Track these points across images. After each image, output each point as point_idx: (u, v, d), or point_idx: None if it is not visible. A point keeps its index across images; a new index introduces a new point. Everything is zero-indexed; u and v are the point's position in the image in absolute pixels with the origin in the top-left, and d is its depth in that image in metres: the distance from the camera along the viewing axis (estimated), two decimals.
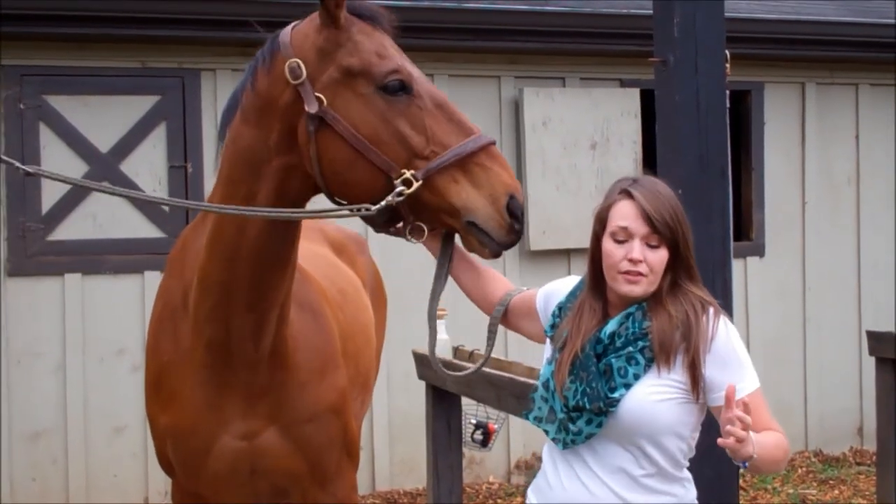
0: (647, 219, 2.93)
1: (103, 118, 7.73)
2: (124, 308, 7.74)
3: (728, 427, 2.67)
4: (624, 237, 2.96)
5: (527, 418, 3.15)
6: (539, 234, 8.43)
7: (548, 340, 3.16)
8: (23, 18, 7.31)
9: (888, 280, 9.67)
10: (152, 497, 7.76)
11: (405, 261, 8.22)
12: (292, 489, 3.94)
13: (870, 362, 6.59)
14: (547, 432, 3.04)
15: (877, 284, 9.67)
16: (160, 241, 7.73)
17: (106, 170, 7.70)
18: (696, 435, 3.04)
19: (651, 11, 4.30)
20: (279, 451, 3.78)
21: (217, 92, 7.93)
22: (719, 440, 2.69)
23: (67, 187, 7.61)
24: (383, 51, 3.40)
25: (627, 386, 2.89)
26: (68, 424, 7.56)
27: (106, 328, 7.70)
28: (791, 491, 8.27)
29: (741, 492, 7.15)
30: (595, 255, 3.05)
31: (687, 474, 3.05)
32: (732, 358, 2.95)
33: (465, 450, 6.20)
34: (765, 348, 9.31)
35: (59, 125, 7.62)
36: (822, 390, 9.53)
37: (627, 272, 2.93)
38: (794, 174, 9.52)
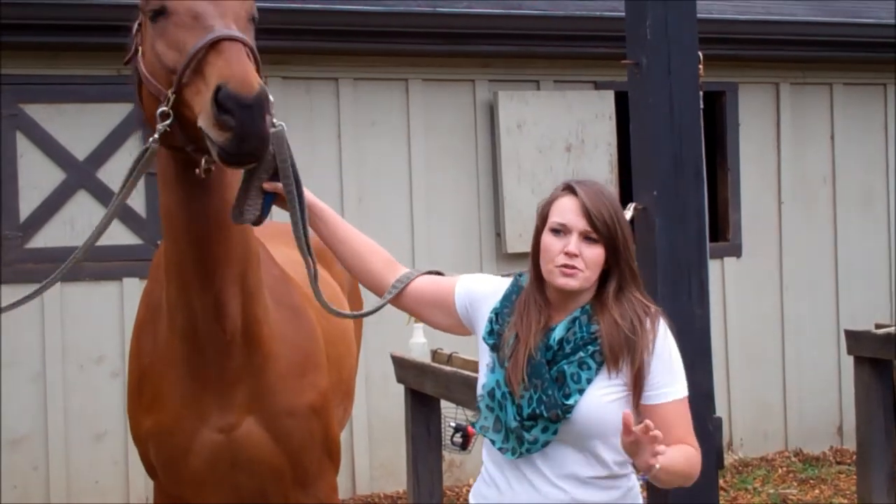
0: (587, 214, 2.98)
1: (79, 126, 7.72)
2: (103, 315, 7.73)
3: (634, 437, 2.70)
4: (562, 231, 3.00)
5: (474, 427, 3.16)
6: (515, 236, 8.45)
7: (485, 348, 3.15)
8: None
9: (865, 279, 9.73)
10: (133, 502, 7.75)
11: None
12: (273, 489, 3.92)
13: (848, 361, 6.62)
14: (493, 442, 3.04)
15: (854, 283, 9.72)
16: (138, 248, 7.74)
17: (83, 177, 7.69)
18: None
19: (622, 13, 4.33)
20: (258, 443, 3.76)
21: None
22: (625, 413, 2.74)
23: (45, 195, 7.61)
24: None
25: (581, 391, 2.92)
26: (49, 431, 7.55)
27: (85, 335, 7.70)
28: (772, 491, 8.31)
29: (721, 492, 7.17)
30: (536, 251, 3.09)
31: (631, 469, 3.08)
32: (668, 361, 3.00)
33: (444, 453, 6.21)
34: (743, 348, 9.36)
35: (35, 133, 7.61)
36: (801, 390, 9.58)
37: (564, 266, 2.97)
38: (770, 174, 9.58)
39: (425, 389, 5.61)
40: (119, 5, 7.28)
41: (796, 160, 9.63)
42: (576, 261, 2.95)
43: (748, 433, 9.43)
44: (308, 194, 3.29)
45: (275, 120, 3.08)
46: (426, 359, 5.88)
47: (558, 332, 2.98)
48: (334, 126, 8.36)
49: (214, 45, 2.89)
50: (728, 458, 8.98)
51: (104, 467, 7.71)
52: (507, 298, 3.16)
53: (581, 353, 2.95)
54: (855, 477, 7.27)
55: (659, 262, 3.98)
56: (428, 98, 8.61)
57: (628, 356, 2.93)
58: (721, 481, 7.35)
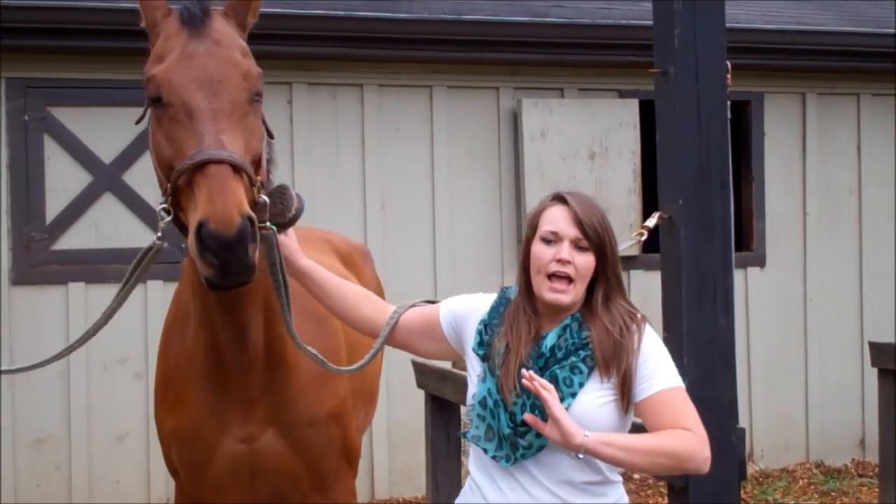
0: (578, 222, 3.02)
1: (106, 129, 7.76)
2: (127, 317, 7.73)
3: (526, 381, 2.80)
4: (554, 240, 3.03)
5: (465, 437, 3.17)
6: None
7: (475, 359, 3.17)
8: (27, 31, 7.36)
9: (890, 291, 9.67)
10: (154, 501, 7.78)
11: (405, 270, 8.27)
12: (292, 493, 3.96)
13: (872, 373, 6.58)
14: (486, 451, 3.05)
15: (878, 295, 9.66)
16: (163, 251, 7.74)
17: (109, 180, 7.73)
18: None
19: (650, 22, 4.31)
20: (278, 453, 3.81)
21: None
22: (526, 416, 2.84)
23: (71, 197, 7.65)
24: (161, 51, 3.22)
25: (574, 395, 2.95)
26: (72, 431, 7.59)
27: (109, 337, 7.66)
28: (793, 502, 8.27)
29: (742, 503, 7.15)
30: (526, 261, 3.11)
31: (619, 477, 3.11)
32: (653, 355, 3.02)
33: (463, 458, 6.21)
34: (766, 359, 9.33)
35: (62, 136, 7.66)
36: (824, 401, 9.53)
37: (555, 274, 3.00)
38: (795, 185, 9.54)
39: (445, 395, 5.61)
40: None
41: (822, 170, 9.58)
42: (568, 268, 2.99)
43: (769, 444, 9.38)
44: (300, 258, 3.46)
45: (267, 223, 3.16)
46: (447, 365, 5.88)
47: (550, 340, 3.02)
48: (359, 132, 8.38)
49: (201, 167, 2.91)
50: (749, 469, 8.94)
51: (126, 468, 7.74)
52: (496, 310, 3.19)
53: (573, 358, 2.98)
54: (877, 490, 7.23)
55: (684, 272, 3.97)
56: (452, 105, 8.62)
57: (617, 361, 2.97)
58: (742, 492, 7.33)
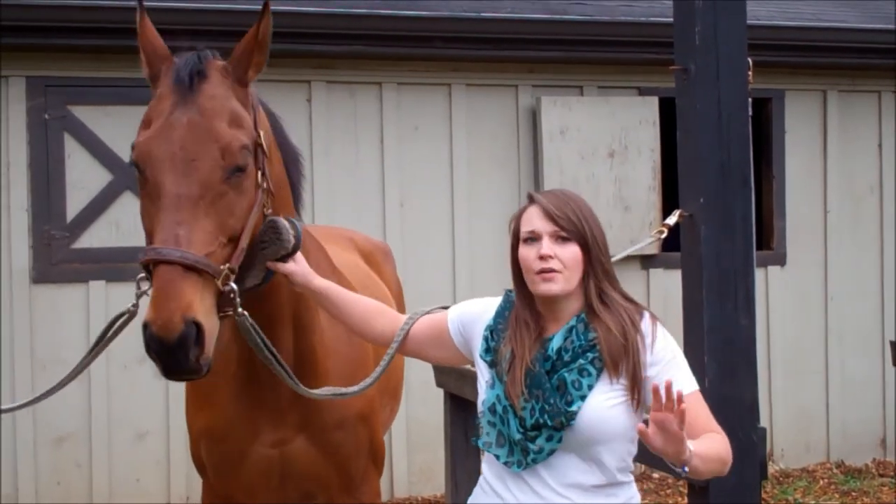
0: (550, 217, 3.01)
1: (126, 128, 7.73)
2: None
3: (659, 415, 2.67)
4: (534, 239, 3.03)
5: (477, 444, 3.15)
6: None
7: (483, 365, 3.16)
8: (47, 30, 7.38)
9: None
10: (174, 500, 7.79)
11: (424, 269, 8.27)
12: (320, 494, 4.00)
13: (892, 372, 6.56)
14: (497, 457, 3.04)
15: None
16: None
17: (129, 179, 7.74)
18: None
19: (670, 19, 4.30)
20: (308, 458, 3.85)
21: None
22: (639, 426, 2.71)
23: (92, 196, 7.67)
24: (150, 114, 3.17)
25: (583, 397, 2.92)
26: (92, 429, 7.61)
27: (129, 335, 7.71)
28: (813, 502, 8.24)
29: (762, 503, 7.12)
30: (516, 268, 3.11)
31: (632, 478, 3.10)
32: (669, 360, 2.99)
33: (482, 458, 6.20)
34: (786, 358, 9.29)
35: (82, 135, 7.68)
36: (845, 401, 9.48)
37: (541, 271, 2.98)
38: (816, 183, 9.49)
39: (465, 394, 5.60)
40: (169, 9, 7.36)
41: (843, 169, 9.54)
42: (552, 262, 2.98)
43: (790, 444, 9.35)
44: (313, 279, 3.46)
45: (239, 308, 3.15)
46: (457, 365, 5.86)
47: (556, 342, 3.00)
48: (377, 130, 8.38)
49: (154, 263, 2.92)
50: (769, 469, 8.91)
51: (146, 466, 7.76)
52: (500, 315, 3.18)
53: (581, 361, 2.95)
54: None
55: (705, 270, 3.95)
56: (471, 103, 8.61)
57: (625, 361, 2.94)
58: (762, 492, 7.30)
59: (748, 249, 4.05)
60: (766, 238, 9.33)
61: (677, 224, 4.15)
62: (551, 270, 2.97)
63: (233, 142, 3.07)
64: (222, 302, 3.05)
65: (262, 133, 3.25)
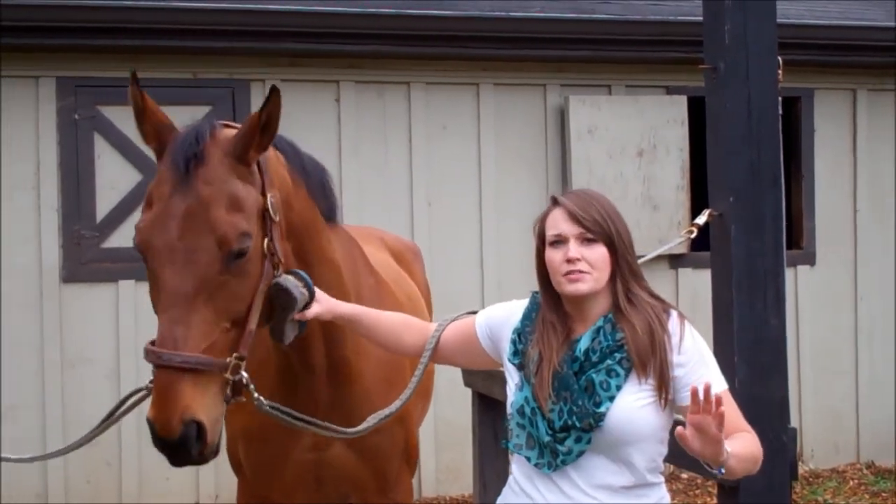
0: (575, 219, 2.99)
1: None
2: None
3: (697, 418, 2.67)
4: (560, 242, 3.02)
5: (507, 447, 3.15)
6: None
7: (511, 368, 3.16)
8: (77, 31, 7.43)
9: None
10: (202, 500, 7.83)
11: (452, 269, 8.27)
12: (355, 496, 4.05)
13: None
14: (528, 459, 3.04)
15: None
16: None
17: None
18: (668, 436, 3.06)
19: (698, 18, 4.28)
20: (346, 461, 3.91)
21: None
22: (678, 430, 2.69)
23: (121, 195, 7.72)
24: (151, 195, 3.12)
25: (611, 398, 2.92)
26: (122, 428, 7.64)
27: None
28: (842, 503, 8.20)
29: None
30: (542, 270, 3.11)
31: (662, 479, 3.08)
32: (698, 359, 2.98)
33: (511, 458, 6.19)
34: (815, 358, 9.25)
35: (112, 135, 7.73)
36: (874, 401, 9.43)
37: (568, 273, 2.98)
38: (845, 182, 9.44)
39: (493, 394, 5.59)
40: (196, 9, 7.41)
41: (873, 167, 9.48)
42: (580, 265, 2.97)
43: (819, 444, 9.30)
44: (337, 307, 3.47)
45: (255, 395, 3.22)
46: (487, 368, 5.86)
47: (584, 343, 2.99)
48: (405, 130, 8.39)
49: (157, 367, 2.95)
50: (799, 469, 8.86)
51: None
52: (528, 317, 3.18)
53: (608, 361, 2.94)
54: None
55: (734, 270, 3.93)
56: (499, 102, 8.61)
57: (653, 360, 2.93)
58: (792, 493, 7.27)
59: (778, 249, 4.02)
60: (796, 237, 9.29)
61: (706, 223, 4.14)
62: (579, 272, 2.97)
63: (229, 231, 3.00)
64: (236, 388, 3.06)
65: (270, 196, 3.18)
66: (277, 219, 3.19)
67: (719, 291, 4.05)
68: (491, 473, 5.85)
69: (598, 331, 2.99)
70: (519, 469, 3.13)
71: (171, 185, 3.01)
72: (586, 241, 2.99)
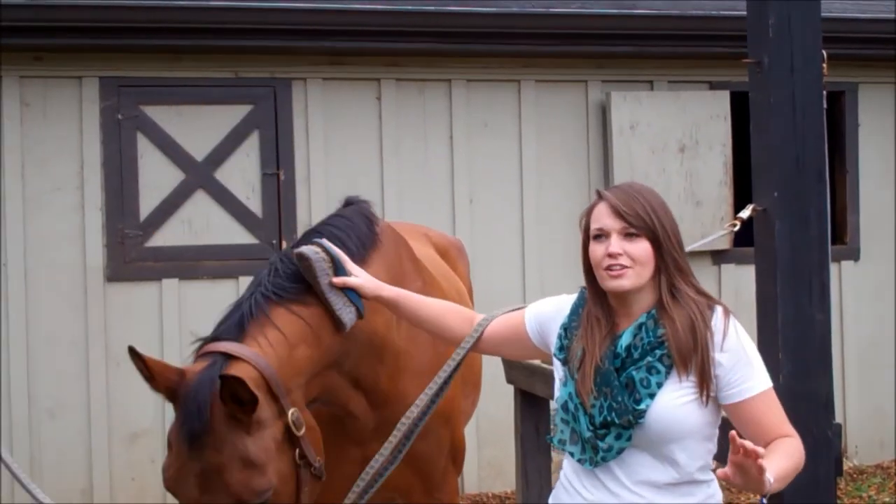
0: (618, 214, 2.98)
1: (198, 127, 7.87)
2: (220, 313, 7.85)
3: (738, 460, 2.63)
4: (603, 236, 3.01)
5: (552, 442, 3.16)
6: None
7: (557, 362, 3.17)
8: (119, 31, 7.48)
9: None
10: None
11: (493, 266, 8.27)
12: (401, 499, 4.06)
13: None
14: (572, 454, 3.05)
15: None
16: (254, 248, 7.86)
17: (201, 178, 7.84)
18: (717, 433, 3.04)
19: (741, 12, 4.26)
20: (392, 471, 3.89)
21: (308, 101, 8.05)
22: (719, 472, 2.69)
23: (164, 194, 7.77)
24: (170, 440, 3.28)
25: (652, 395, 2.90)
26: (166, 425, 7.66)
27: (202, 332, 7.81)
28: (887, 499, 8.13)
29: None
30: (587, 264, 3.10)
31: (712, 476, 3.04)
32: (742, 357, 2.94)
33: (553, 454, 6.19)
34: (860, 354, 9.17)
35: (155, 134, 7.78)
36: None
37: (609, 268, 2.96)
38: (890, 176, 9.35)
39: (535, 390, 5.59)
40: (237, 8, 7.45)
41: None
42: (621, 259, 2.95)
43: (864, 440, 9.23)
44: (382, 290, 3.55)
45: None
46: (536, 360, 5.86)
47: (625, 339, 2.97)
48: (446, 127, 8.39)
49: None
50: (843, 465, 8.80)
51: None
52: (575, 312, 3.18)
53: (649, 358, 2.92)
54: None
55: (779, 265, 3.91)
56: (540, 99, 8.60)
57: (695, 357, 2.90)
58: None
59: (823, 244, 4.00)
60: (840, 233, 9.22)
61: (749, 219, 4.12)
62: (621, 267, 2.95)
63: (245, 492, 3.05)
64: None
65: (290, 414, 3.20)
66: (302, 432, 3.22)
67: (763, 287, 4.03)
68: (533, 470, 5.85)
69: (640, 327, 2.97)
70: (568, 464, 3.13)
71: (185, 447, 3.07)
72: (629, 235, 2.97)
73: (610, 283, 2.98)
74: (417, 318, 3.57)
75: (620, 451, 2.94)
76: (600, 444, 2.95)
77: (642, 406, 2.89)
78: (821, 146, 4.01)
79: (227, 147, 7.90)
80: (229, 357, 3.16)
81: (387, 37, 7.90)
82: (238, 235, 7.91)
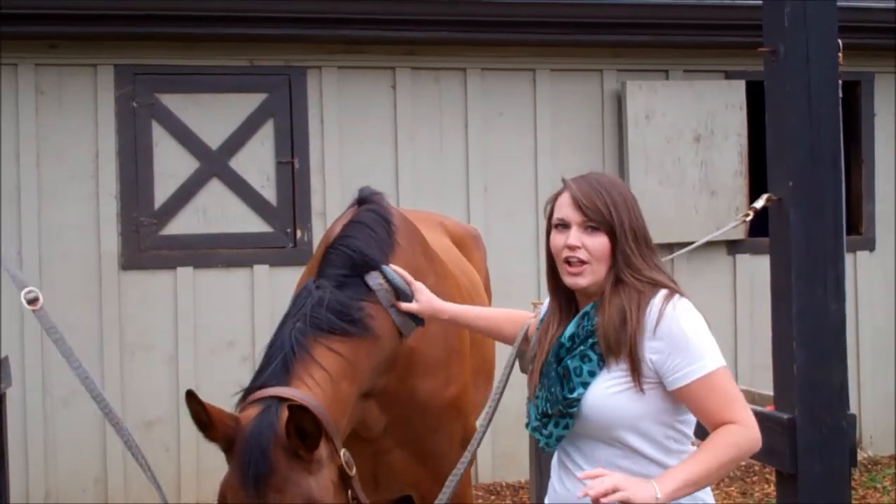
0: (578, 206, 2.98)
1: (213, 116, 7.89)
2: (234, 301, 7.89)
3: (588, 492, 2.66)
4: (563, 226, 3.02)
5: (527, 428, 3.19)
6: None
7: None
8: (135, 19, 7.49)
9: None
10: None
11: (509, 254, 8.26)
12: (413, 490, 4.08)
13: None
14: (538, 441, 3.08)
15: None
16: (269, 236, 7.88)
17: (216, 166, 7.85)
18: (687, 416, 2.99)
19: (757, 1, 4.24)
20: (405, 465, 3.97)
21: (322, 89, 8.06)
22: (579, 494, 2.71)
23: (179, 183, 7.79)
24: (223, 488, 3.23)
25: (585, 384, 2.90)
26: (180, 413, 7.72)
27: (216, 320, 7.86)
28: None
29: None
30: (549, 253, 3.11)
31: (685, 450, 3.01)
32: (679, 343, 2.86)
33: None
34: (874, 344, 9.15)
35: (170, 123, 7.80)
36: None
37: (567, 260, 2.98)
38: None
39: None
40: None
41: None
42: (579, 252, 2.96)
43: (878, 431, 9.21)
44: (443, 310, 3.71)
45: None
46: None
47: (569, 330, 3.00)
48: (462, 116, 8.39)
49: None
50: (858, 456, 8.78)
51: None
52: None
53: (582, 347, 2.94)
54: None
55: (794, 255, 3.89)
56: (555, 88, 8.59)
57: (622, 345, 2.87)
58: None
59: (838, 233, 3.98)
60: (855, 223, 9.20)
61: (764, 209, 4.10)
62: (578, 262, 2.96)
63: None
64: None
65: (342, 454, 3.21)
66: (353, 472, 3.22)
67: (778, 277, 4.01)
68: (547, 459, 5.85)
69: (584, 316, 2.99)
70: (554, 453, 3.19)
71: (248, 492, 3.03)
72: (588, 228, 2.98)
73: (568, 280, 3.01)
74: (473, 329, 3.80)
75: (560, 439, 2.99)
76: (544, 431, 3.01)
77: (574, 395, 2.90)
78: (836, 136, 3.99)
79: (241, 135, 7.91)
80: (283, 400, 3.14)
81: (402, 25, 7.90)
82: (253, 224, 7.92)
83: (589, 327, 2.94)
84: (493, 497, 8.14)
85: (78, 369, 3.42)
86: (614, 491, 2.64)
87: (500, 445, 8.36)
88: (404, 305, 3.62)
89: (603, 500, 2.63)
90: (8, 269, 3.59)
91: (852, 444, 4.05)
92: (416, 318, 3.66)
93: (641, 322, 2.88)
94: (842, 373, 3.99)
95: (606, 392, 2.89)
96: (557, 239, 3.02)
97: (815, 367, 3.88)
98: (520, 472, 8.20)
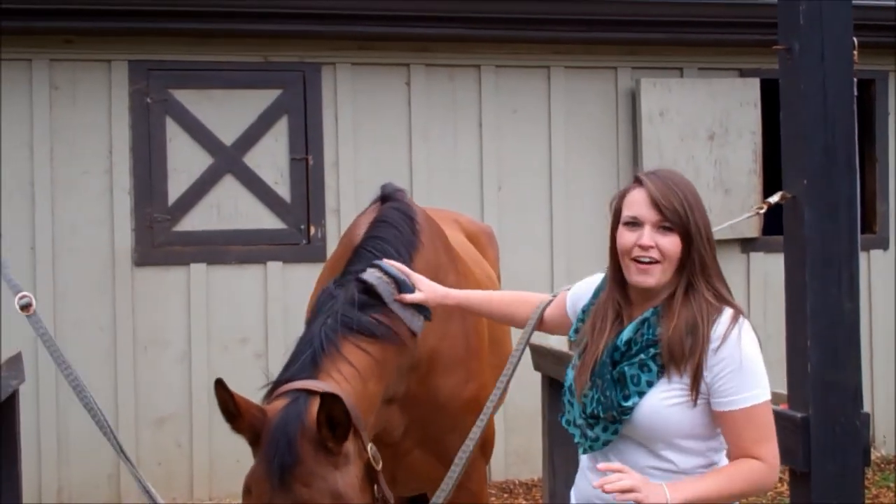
0: (656, 205, 2.92)
1: (227, 112, 7.89)
2: (248, 297, 7.90)
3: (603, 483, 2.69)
4: (635, 224, 2.96)
5: (561, 421, 3.16)
6: None
7: (572, 345, 3.17)
8: (150, 14, 7.51)
9: None
10: None
11: (522, 251, 8.26)
12: (430, 489, 4.07)
13: None
14: (574, 436, 3.06)
15: None
16: (282, 233, 7.88)
17: (230, 162, 7.86)
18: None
19: (771, 0, 4.23)
20: (424, 464, 3.97)
21: (337, 85, 8.06)
22: (595, 484, 2.74)
23: (193, 179, 7.80)
24: (248, 482, 3.23)
25: (641, 394, 2.87)
26: (193, 410, 7.74)
27: (230, 317, 7.87)
28: None
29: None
30: (613, 248, 3.05)
31: (699, 470, 2.98)
32: (734, 368, 2.85)
33: None
34: (888, 343, 9.12)
35: (184, 118, 7.81)
36: None
37: (637, 259, 2.93)
38: None
39: (562, 377, 5.59)
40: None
41: None
42: (651, 252, 2.91)
43: (892, 430, 9.18)
44: (448, 297, 3.68)
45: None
46: (564, 347, 5.85)
47: (626, 334, 2.94)
48: (476, 113, 8.38)
49: None
50: (871, 455, 8.75)
51: (246, 446, 7.78)
52: (597, 294, 3.17)
53: (642, 356, 2.89)
54: None
55: (808, 254, 3.88)
56: (569, 86, 8.58)
57: (687, 360, 2.84)
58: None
59: (853, 232, 3.97)
60: (869, 221, 9.17)
61: (779, 207, 4.09)
62: (650, 261, 2.91)
63: None
64: None
65: (369, 449, 3.19)
66: (380, 467, 3.21)
67: (792, 275, 4.00)
68: (560, 458, 5.85)
69: (643, 322, 2.94)
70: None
71: (273, 483, 3.01)
72: (662, 228, 2.92)
73: (635, 277, 2.95)
74: (481, 313, 3.73)
75: (607, 443, 2.95)
76: (589, 433, 2.97)
77: (629, 403, 2.87)
78: (851, 134, 3.97)
79: (255, 131, 7.92)
80: (311, 393, 3.12)
81: (416, 22, 7.90)
82: (266, 220, 7.93)
83: (650, 336, 2.90)
84: (506, 495, 8.13)
85: (69, 377, 3.41)
86: (630, 491, 2.64)
87: (512, 443, 8.36)
88: (409, 297, 3.56)
89: (618, 497, 2.64)
90: (5, 273, 3.58)
91: (866, 444, 4.04)
92: (422, 310, 3.62)
93: (708, 337, 2.86)
94: (856, 372, 3.98)
95: (663, 403, 2.87)
96: (628, 237, 2.96)
97: (829, 366, 3.87)
98: (532, 470, 8.20)
